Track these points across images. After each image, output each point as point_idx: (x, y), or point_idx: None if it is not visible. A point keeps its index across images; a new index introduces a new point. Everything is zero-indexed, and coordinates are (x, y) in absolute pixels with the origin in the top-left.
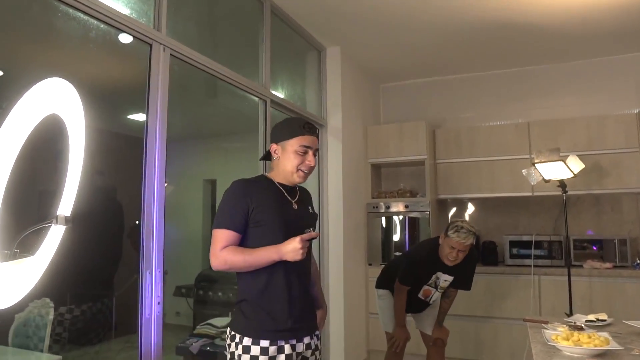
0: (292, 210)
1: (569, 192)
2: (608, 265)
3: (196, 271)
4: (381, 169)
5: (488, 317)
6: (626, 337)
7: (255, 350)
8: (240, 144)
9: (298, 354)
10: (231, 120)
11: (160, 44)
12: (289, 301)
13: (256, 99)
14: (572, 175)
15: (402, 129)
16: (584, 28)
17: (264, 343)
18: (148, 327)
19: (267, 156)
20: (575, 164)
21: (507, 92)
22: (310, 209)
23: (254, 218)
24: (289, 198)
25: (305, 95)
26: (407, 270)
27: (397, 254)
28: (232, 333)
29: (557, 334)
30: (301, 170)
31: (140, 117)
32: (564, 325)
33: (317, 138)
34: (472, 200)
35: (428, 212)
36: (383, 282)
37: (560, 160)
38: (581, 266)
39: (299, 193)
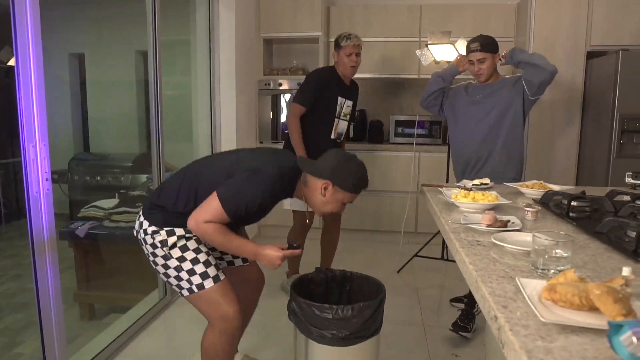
0: None
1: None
2: None
3: (69, 155)
4: (273, 45)
5: (372, 190)
6: (506, 195)
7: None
8: (111, 12)
9: None
10: None
11: None
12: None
13: None
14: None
15: (296, 3)
16: None
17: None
18: (37, 205)
19: None
20: (463, 48)
21: None
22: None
23: None
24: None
25: None
26: (308, 88)
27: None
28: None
29: (457, 194)
30: None
31: None
32: (456, 189)
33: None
34: (362, 80)
35: None
36: None
37: (451, 43)
38: None
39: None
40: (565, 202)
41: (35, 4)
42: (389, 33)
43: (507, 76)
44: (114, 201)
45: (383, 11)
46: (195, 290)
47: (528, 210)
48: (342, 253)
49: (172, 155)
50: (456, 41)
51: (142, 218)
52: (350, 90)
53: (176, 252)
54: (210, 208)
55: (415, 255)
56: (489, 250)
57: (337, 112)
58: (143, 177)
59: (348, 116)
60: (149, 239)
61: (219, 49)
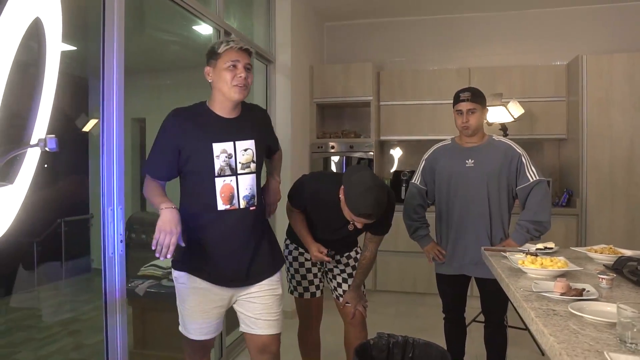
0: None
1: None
2: None
3: (126, 214)
4: (325, 109)
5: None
6: (575, 260)
7: None
8: (173, 81)
9: None
10: (164, 54)
11: None
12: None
13: (209, 29)
14: (512, 119)
15: (348, 70)
16: None
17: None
18: (112, 266)
19: None
20: (516, 109)
21: (449, 38)
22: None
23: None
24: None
25: (253, 28)
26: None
27: None
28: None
29: (523, 259)
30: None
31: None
32: (521, 253)
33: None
34: (413, 142)
35: (372, 153)
36: None
37: (502, 105)
38: None
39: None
40: None
41: (120, 74)
42: (439, 96)
43: (494, 137)
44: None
45: (432, 75)
46: None
47: (603, 278)
48: (398, 317)
49: None
50: (508, 102)
51: None
52: (240, 124)
53: None
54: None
55: (473, 320)
56: (567, 320)
57: (217, 169)
58: None
59: (252, 165)
60: None
61: (276, 114)
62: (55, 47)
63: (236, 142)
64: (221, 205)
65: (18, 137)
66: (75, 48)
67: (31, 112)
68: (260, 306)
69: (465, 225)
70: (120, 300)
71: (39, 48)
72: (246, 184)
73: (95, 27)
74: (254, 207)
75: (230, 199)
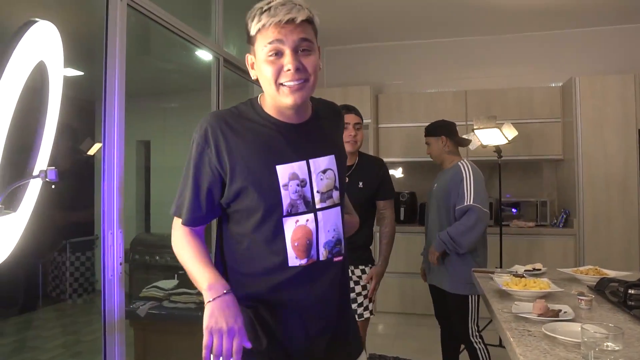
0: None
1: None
2: (530, 224)
3: (131, 236)
4: None
5: None
6: (560, 282)
7: None
8: (176, 104)
9: None
10: (167, 79)
11: None
12: None
13: (209, 56)
14: (506, 141)
15: (346, 93)
16: (518, 3)
17: None
18: (111, 287)
19: None
20: (510, 132)
21: (446, 61)
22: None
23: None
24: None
25: None
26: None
27: None
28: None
29: (507, 281)
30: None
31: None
32: (508, 275)
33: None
34: (411, 163)
35: None
36: None
37: (497, 127)
38: (508, 225)
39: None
40: (622, 289)
41: (121, 98)
42: (436, 118)
43: (459, 162)
44: (174, 282)
45: (429, 97)
46: None
47: (581, 299)
48: (393, 338)
49: None
50: (502, 124)
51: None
52: (312, 131)
53: None
54: None
55: None
56: (540, 341)
57: (285, 205)
58: None
59: (335, 195)
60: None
61: None
62: (58, 85)
63: (310, 161)
64: (294, 260)
65: (22, 166)
66: (82, 73)
67: (34, 144)
68: None
69: (428, 241)
70: (119, 321)
71: (42, 88)
72: (329, 224)
73: (101, 52)
74: (339, 258)
75: (307, 250)
